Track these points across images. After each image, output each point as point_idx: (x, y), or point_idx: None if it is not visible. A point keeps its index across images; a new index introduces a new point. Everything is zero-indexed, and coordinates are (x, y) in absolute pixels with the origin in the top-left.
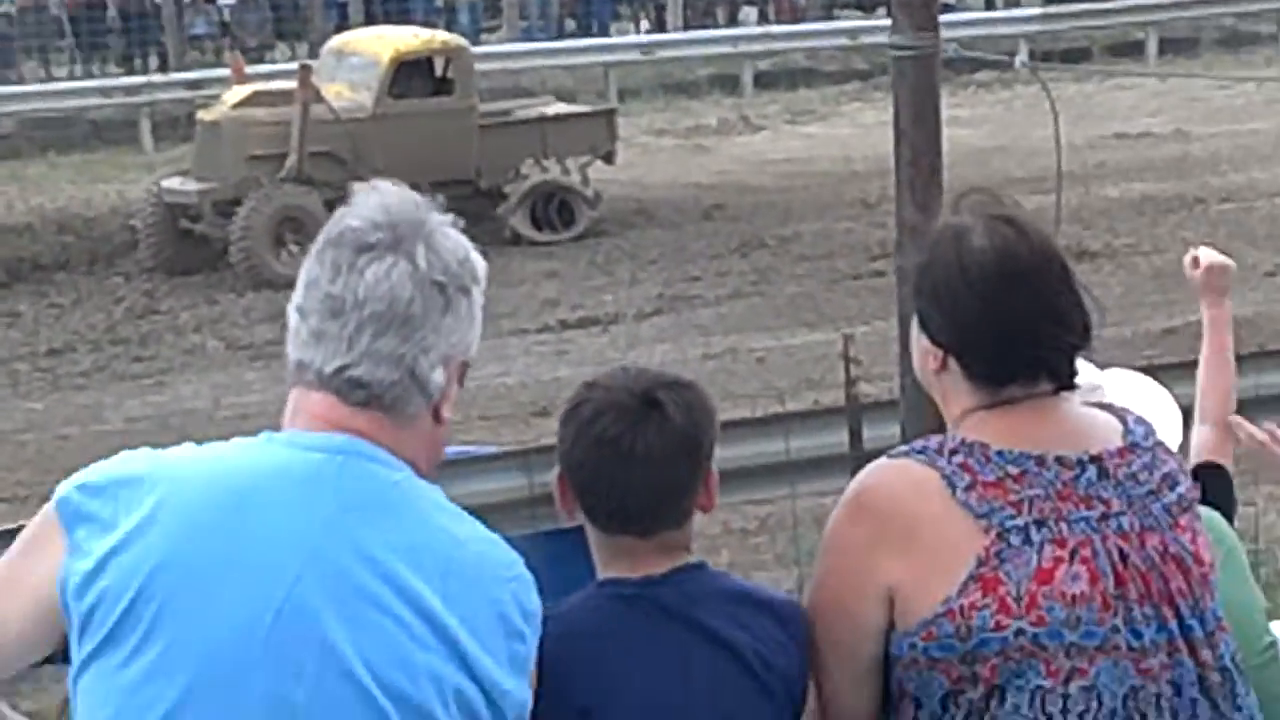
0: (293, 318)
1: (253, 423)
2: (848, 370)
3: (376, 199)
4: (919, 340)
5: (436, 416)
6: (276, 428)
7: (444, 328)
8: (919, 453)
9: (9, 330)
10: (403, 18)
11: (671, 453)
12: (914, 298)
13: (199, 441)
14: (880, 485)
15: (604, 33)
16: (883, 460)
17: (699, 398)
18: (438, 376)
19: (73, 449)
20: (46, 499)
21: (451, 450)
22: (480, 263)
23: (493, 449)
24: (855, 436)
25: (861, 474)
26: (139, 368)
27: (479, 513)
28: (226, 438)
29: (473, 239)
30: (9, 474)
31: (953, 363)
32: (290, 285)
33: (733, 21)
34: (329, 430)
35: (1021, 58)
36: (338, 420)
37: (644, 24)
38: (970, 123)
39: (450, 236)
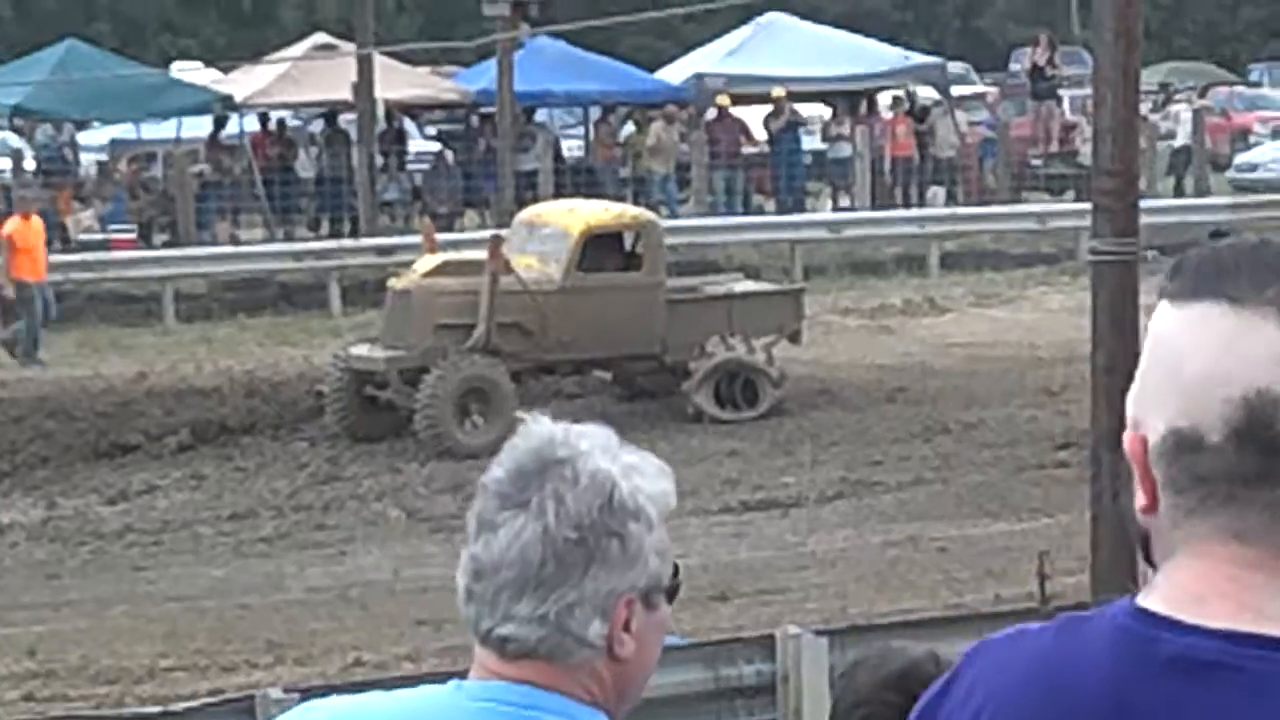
0: (457, 574)
1: (432, 596)
2: (1042, 587)
3: (521, 443)
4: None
5: (612, 655)
6: (455, 605)
7: (592, 579)
8: None
9: (194, 492)
10: (592, 190)
11: None
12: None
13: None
14: None
15: (798, 208)
16: None
17: None
18: (596, 627)
19: (253, 618)
20: (226, 668)
21: None
22: (641, 491)
23: (675, 639)
24: None
25: None
26: (320, 535)
27: (660, 706)
28: (406, 611)
29: (655, 416)
30: (189, 641)
31: None
32: (473, 456)
33: (920, 201)
34: (499, 680)
35: (1153, 253)
36: (501, 671)
37: (830, 202)
38: None
39: (588, 484)
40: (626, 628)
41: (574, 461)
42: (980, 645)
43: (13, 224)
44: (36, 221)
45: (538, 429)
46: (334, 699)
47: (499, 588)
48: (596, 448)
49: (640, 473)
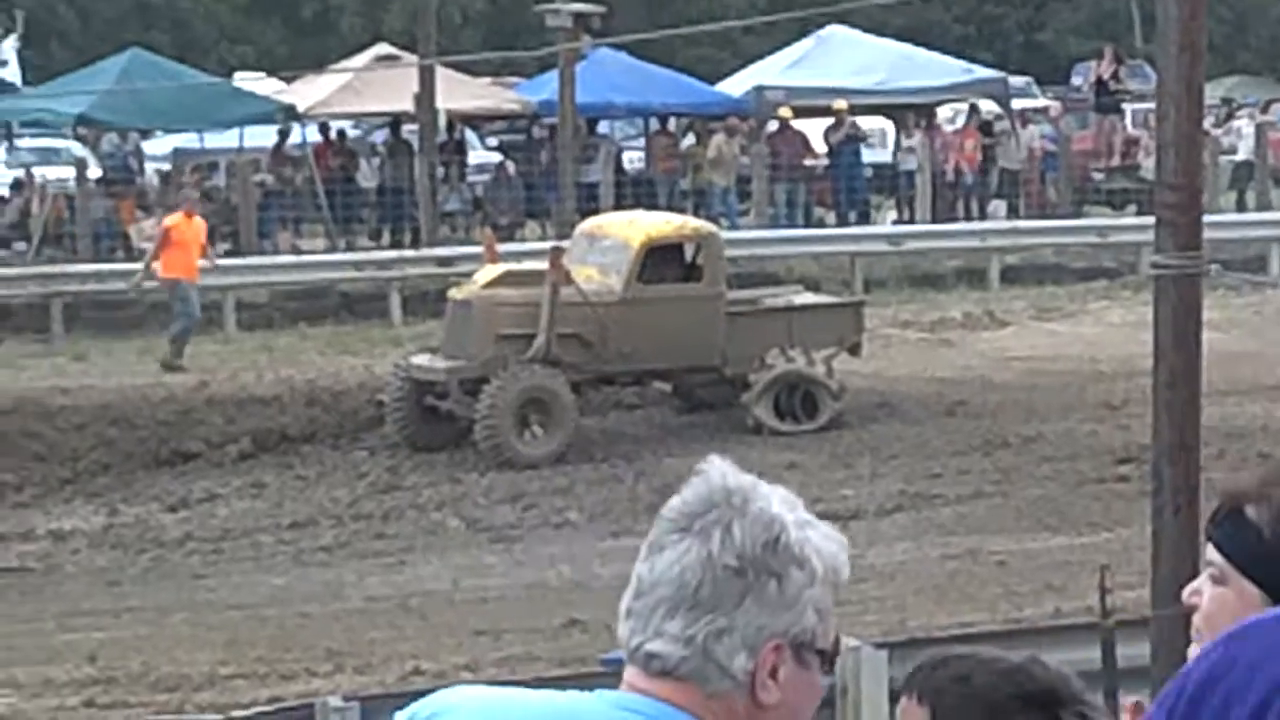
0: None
1: (491, 607)
2: (1104, 602)
3: (698, 479)
4: (1260, 610)
5: (755, 701)
6: (514, 614)
7: (744, 611)
8: None
9: (254, 501)
10: (651, 202)
11: None
12: (1277, 566)
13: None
14: None
15: (861, 221)
16: None
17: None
18: (741, 660)
19: (313, 626)
20: (286, 676)
21: None
22: (811, 543)
23: None
24: (1108, 656)
25: None
26: (380, 544)
27: None
28: (465, 621)
29: (715, 427)
30: (249, 649)
31: None
32: (532, 466)
33: (981, 215)
34: (640, 694)
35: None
36: (643, 687)
37: (892, 214)
38: (1220, 326)
39: (759, 520)
40: (774, 674)
41: (751, 500)
42: (1245, 629)
43: (174, 218)
44: (199, 221)
45: (721, 468)
46: (483, 689)
47: (655, 604)
48: (776, 497)
49: (815, 529)
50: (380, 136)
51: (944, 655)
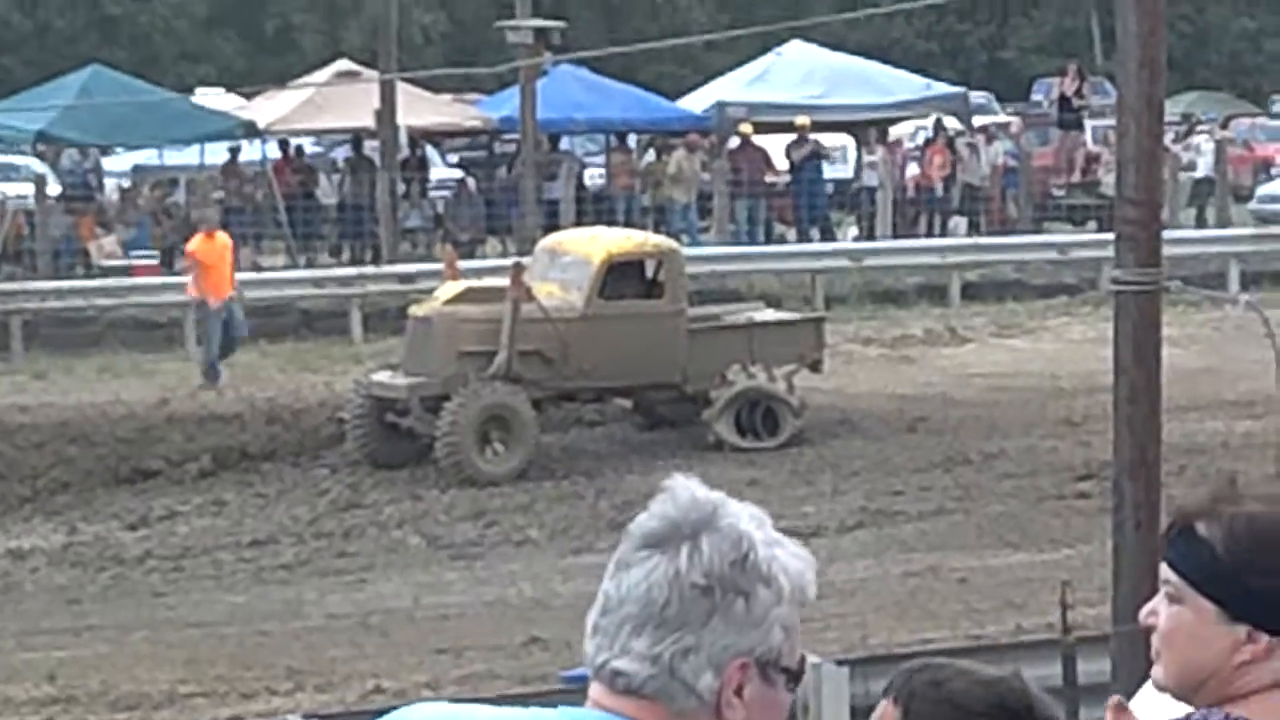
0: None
1: (452, 624)
2: (1065, 618)
3: (664, 497)
4: (1216, 631)
5: (719, 717)
6: (475, 632)
7: (711, 630)
8: None
9: (215, 519)
10: (611, 218)
11: None
12: (1222, 581)
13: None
14: None
15: (826, 237)
16: None
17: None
18: (707, 679)
19: (273, 644)
20: (246, 695)
21: None
22: (778, 561)
23: None
24: (1069, 672)
25: None
26: (341, 562)
27: None
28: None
29: (676, 444)
30: (209, 667)
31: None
32: (494, 483)
33: (943, 231)
34: (606, 712)
35: (1247, 296)
36: (609, 705)
37: (853, 231)
38: (1179, 342)
39: (727, 538)
40: (739, 692)
41: (719, 518)
42: None
43: (195, 242)
44: (221, 238)
45: (689, 486)
46: (444, 705)
47: (621, 622)
48: (745, 514)
49: (783, 547)
50: (342, 153)
51: (925, 662)
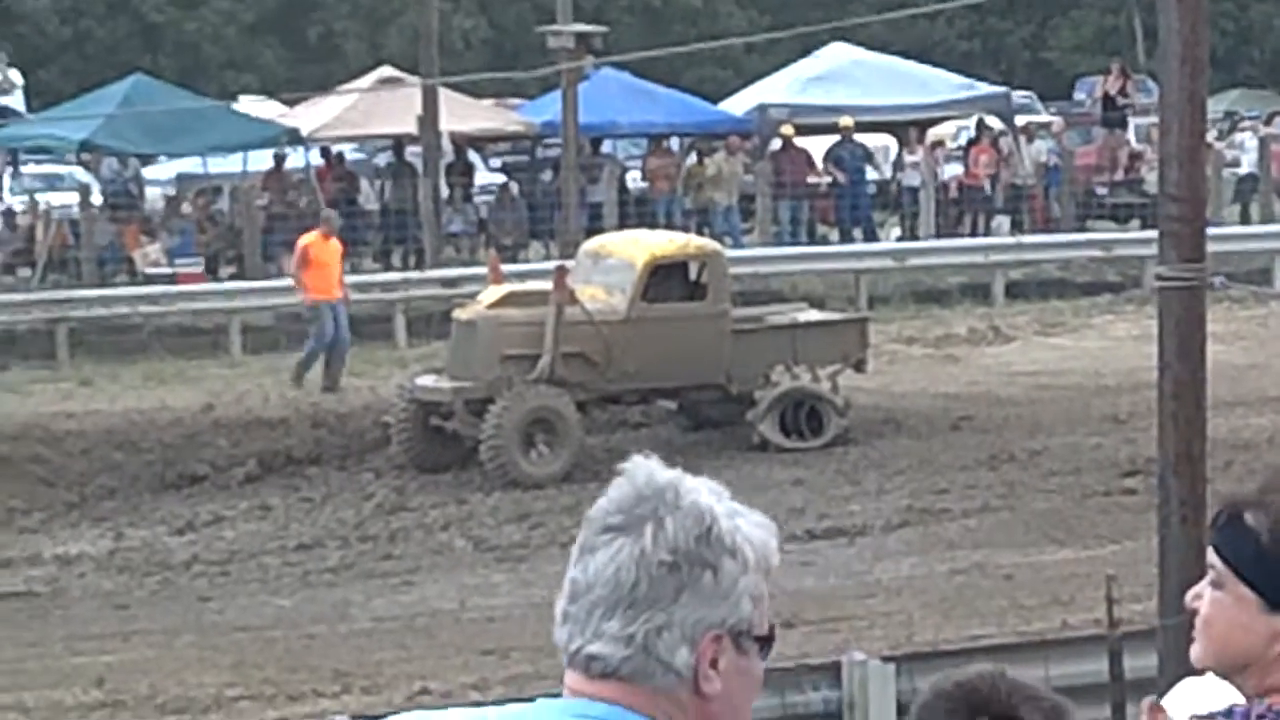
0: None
1: (498, 626)
2: (1111, 612)
3: (623, 479)
4: (1258, 619)
5: (699, 692)
6: (521, 633)
7: (682, 606)
8: (1224, 715)
9: (261, 523)
10: (655, 220)
11: None
12: (1274, 572)
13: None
14: None
15: (869, 238)
16: None
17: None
18: (683, 655)
19: (320, 647)
20: (293, 697)
21: None
22: (741, 532)
23: None
24: (1116, 667)
25: None
26: (387, 565)
27: None
28: (472, 641)
29: (720, 445)
30: (256, 670)
31: None
32: (538, 486)
33: (985, 230)
34: (585, 698)
35: (1220, 278)
36: (588, 691)
37: (896, 231)
38: (1224, 339)
39: (690, 513)
40: (714, 664)
41: (679, 494)
42: None
43: (310, 237)
44: (335, 243)
45: (646, 466)
46: (418, 713)
47: (592, 606)
48: (704, 488)
49: (744, 517)
50: (384, 159)
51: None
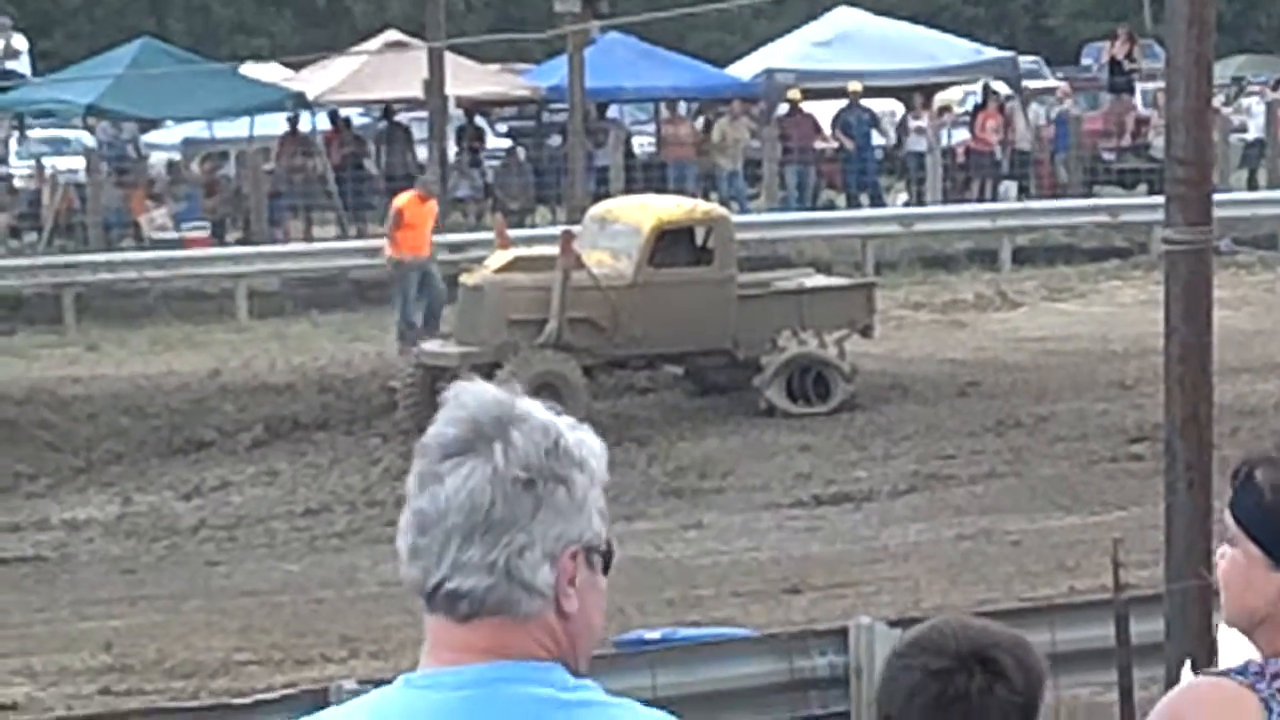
0: (399, 536)
1: None
2: (1116, 576)
3: (455, 404)
4: (1265, 576)
5: (560, 612)
6: None
7: (540, 523)
8: (1238, 673)
9: (268, 488)
10: (662, 185)
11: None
12: (1257, 526)
13: None
14: (1193, 704)
15: (876, 203)
16: (1199, 678)
17: (1031, 656)
18: (545, 574)
19: (328, 612)
20: (301, 662)
21: (706, 632)
22: (585, 444)
23: (747, 632)
24: (1122, 631)
25: (1174, 691)
26: (394, 530)
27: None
28: None
29: (727, 410)
30: (264, 635)
31: None
32: None
33: (992, 196)
34: (461, 660)
35: (1226, 241)
36: (458, 643)
37: (903, 196)
38: (1231, 304)
39: (535, 428)
40: (571, 582)
41: (522, 412)
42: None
43: (405, 198)
44: (432, 205)
45: (480, 389)
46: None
47: (447, 535)
48: (539, 406)
49: (583, 430)
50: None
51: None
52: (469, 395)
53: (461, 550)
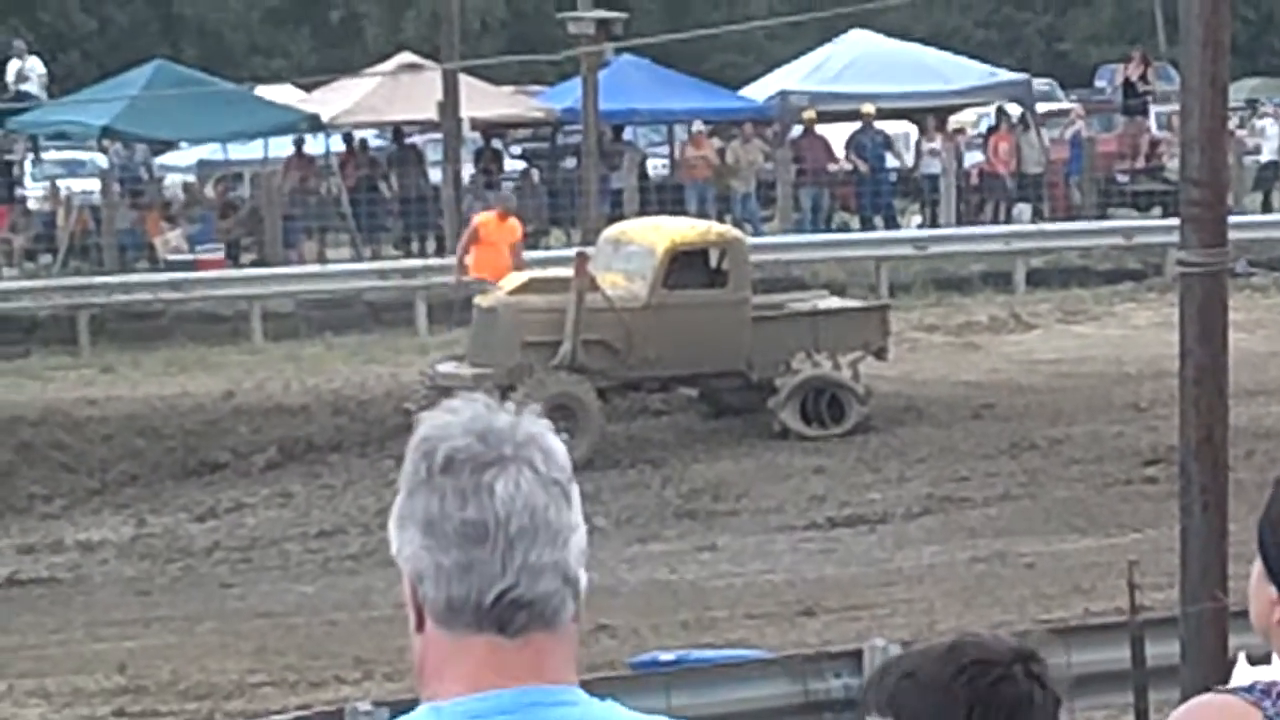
0: (422, 558)
1: None
2: (1132, 598)
3: (466, 415)
4: (1262, 588)
5: (577, 616)
6: None
7: (573, 524)
8: (1245, 691)
9: (282, 510)
10: (677, 207)
11: None
12: (1263, 542)
13: None
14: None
15: (890, 225)
16: (1206, 696)
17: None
18: (583, 575)
19: (341, 634)
20: (315, 684)
21: (721, 654)
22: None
23: (761, 654)
24: (1138, 654)
25: (1181, 709)
26: None
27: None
28: None
29: (741, 432)
30: (278, 657)
31: None
32: None
33: (1007, 218)
34: (495, 685)
35: (1242, 263)
36: (503, 666)
37: (917, 218)
38: (1245, 327)
39: (550, 434)
40: None
41: (530, 419)
42: None
43: (485, 216)
44: (512, 223)
45: (471, 400)
46: None
47: (510, 541)
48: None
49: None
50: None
51: (884, 663)
52: (466, 405)
53: (529, 554)
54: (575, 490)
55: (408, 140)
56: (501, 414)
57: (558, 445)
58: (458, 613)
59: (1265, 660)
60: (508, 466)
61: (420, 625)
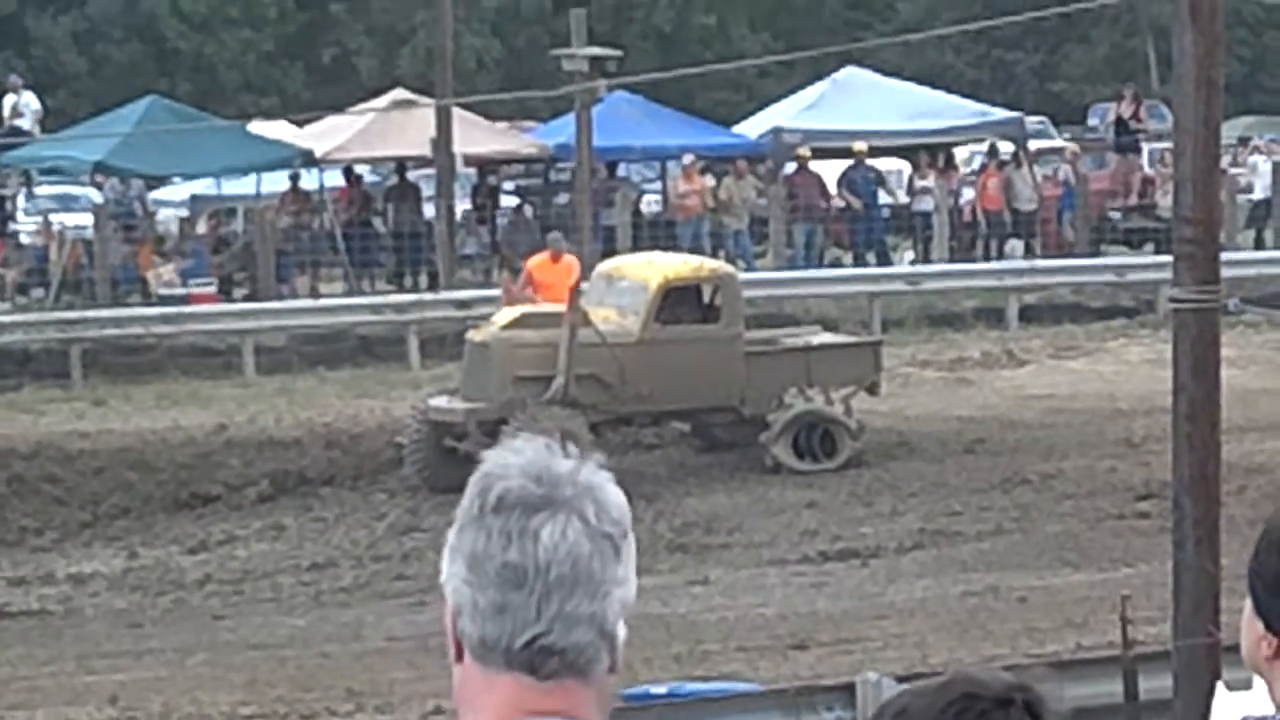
0: (463, 592)
1: None
2: (1124, 633)
3: (528, 455)
4: (1252, 624)
5: (613, 668)
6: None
7: (618, 579)
8: None
9: (274, 543)
10: (670, 243)
11: None
12: (1252, 581)
13: None
14: None
15: (883, 261)
16: None
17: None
18: (621, 629)
19: (333, 667)
20: (306, 716)
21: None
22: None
23: (754, 687)
24: (1130, 688)
25: None
26: (400, 585)
27: None
28: None
29: (734, 467)
30: (269, 689)
31: None
32: None
33: (999, 255)
34: None
35: (1235, 300)
36: (531, 706)
37: (910, 254)
38: (1238, 363)
39: (610, 485)
40: None
41: (592, 468)
42: None
43: (538, 259)
44: (568, 260)
45: (530, 442)
46: None
47: (548, 590)
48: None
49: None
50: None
51: (880, 705)
52: (539, 450)
53: (564, 603)
54: (629, 545)
55: (406, 176)
56: (562, 459)
57: (615, 498)
58: (490, 651)
59: (1245, 686)
60: (558, 513)
61: (459, 656)
